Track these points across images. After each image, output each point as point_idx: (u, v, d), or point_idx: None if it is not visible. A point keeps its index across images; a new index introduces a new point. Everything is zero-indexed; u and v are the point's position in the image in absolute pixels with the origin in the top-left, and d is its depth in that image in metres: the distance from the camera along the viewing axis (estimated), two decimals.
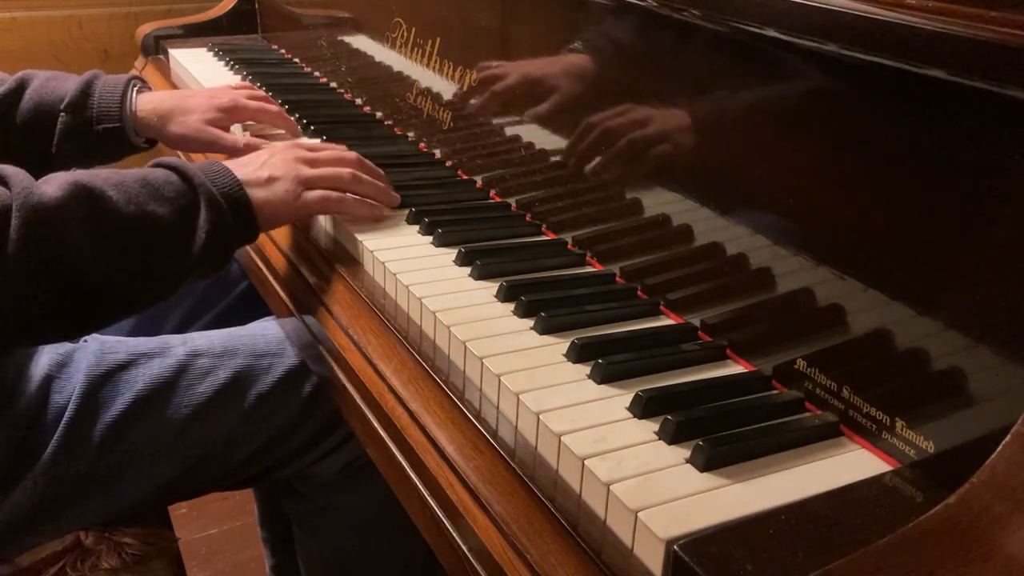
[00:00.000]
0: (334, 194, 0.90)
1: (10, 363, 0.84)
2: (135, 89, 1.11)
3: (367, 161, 0.96)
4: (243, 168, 0.85)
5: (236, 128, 1.17)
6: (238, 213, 0.81)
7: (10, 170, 0.71)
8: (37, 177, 0.73)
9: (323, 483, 1.02)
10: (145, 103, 1.11)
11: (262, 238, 1.01)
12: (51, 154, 1.09)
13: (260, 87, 1.33)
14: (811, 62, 0.63)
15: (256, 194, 0.83)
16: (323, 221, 0.97)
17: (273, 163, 0.88)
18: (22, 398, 0.83)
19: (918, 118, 0.57)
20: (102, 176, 0.75)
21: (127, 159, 1.10)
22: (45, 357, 0.86)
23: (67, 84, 1.08)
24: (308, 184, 0.88)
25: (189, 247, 0.77)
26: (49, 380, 0.85)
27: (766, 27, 0.64)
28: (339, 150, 0.96)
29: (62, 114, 1.06)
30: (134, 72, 1.14)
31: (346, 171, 0.92)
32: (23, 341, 0.78)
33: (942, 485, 0.54)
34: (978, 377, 0.54)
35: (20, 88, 1.08)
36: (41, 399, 0.84)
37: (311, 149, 0.93)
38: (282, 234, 1.00)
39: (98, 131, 1.08)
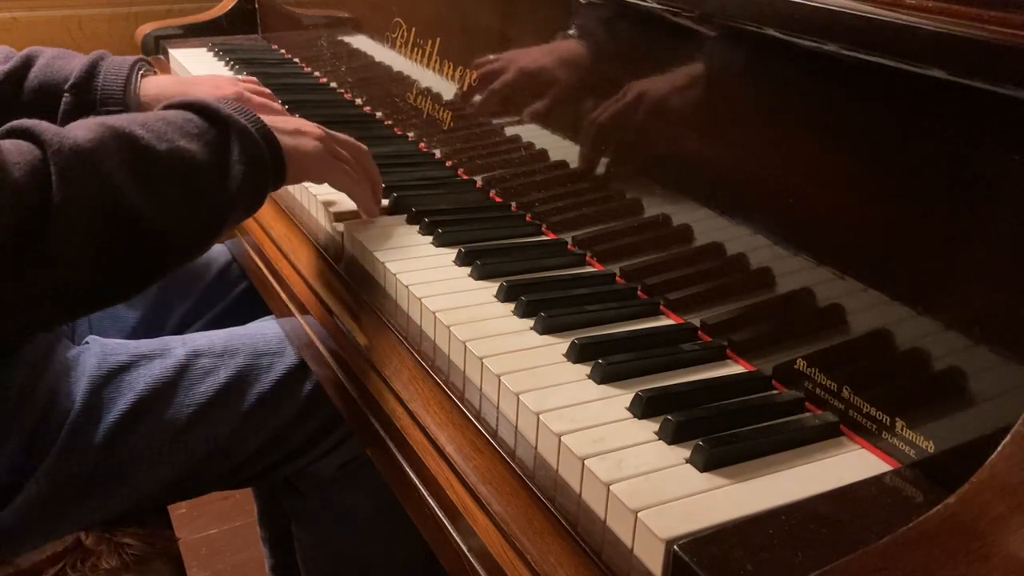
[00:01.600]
0: (354, 174, 0.91)
1: (19, 371, 0.84)
2: (140, 72, 1.09)
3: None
4: (267, 117, 0.84)
5: None
6: (271, 149, 0.80)
7: (37, 125, 0.67)
8: None
9: (323, 481, 1.02)
10: (149, 87, 1.09)
11: (261, 236, 1.01)
12: None
13: None
14: (811, 62, 0.63)
15: (284, 140, 0.82)
16: (324, 222, 0.97)
17: (300, 122, 0.89)
18: (30, 404, 0.83)
19: (918, 118, 0.57)
20: (124, 118, 0.73)
21: None
22: (51, 362, 0.86)
23: (72, 63, 1.07)
24: (333, 153, 0.89)
25: (226, 181, 0.75)
26: (55, 384, 0.85)
27: (766, 27, 0.64)
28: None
29: (66, 94, 1.05)
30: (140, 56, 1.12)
31: (364, 150, 0.94)
32: (107, 296, 0.74)
33: (942, 485, 0.54)
34: (978, 377, 0.54)
35: (26, 65, 1.06)
36: (47, 403, 0.84)
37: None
38: (282, 233, 1.00)
39: (101, 113, 1.07)
